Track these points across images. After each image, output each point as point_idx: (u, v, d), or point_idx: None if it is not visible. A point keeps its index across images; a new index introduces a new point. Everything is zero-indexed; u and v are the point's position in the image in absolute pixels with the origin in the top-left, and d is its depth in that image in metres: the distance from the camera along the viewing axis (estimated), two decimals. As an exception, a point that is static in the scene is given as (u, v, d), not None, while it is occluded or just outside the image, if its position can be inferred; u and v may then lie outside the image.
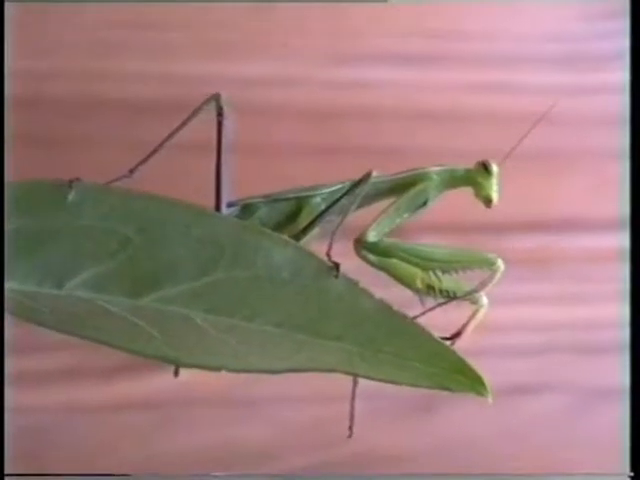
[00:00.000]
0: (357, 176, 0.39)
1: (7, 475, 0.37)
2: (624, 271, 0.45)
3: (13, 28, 0.49)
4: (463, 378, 0.33)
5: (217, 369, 0.33)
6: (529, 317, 0.56)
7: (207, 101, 0.38)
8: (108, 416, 0.53)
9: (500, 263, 0.38)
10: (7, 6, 0.43)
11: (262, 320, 0.33)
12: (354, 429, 0.41)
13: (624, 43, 0.47)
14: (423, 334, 0.33)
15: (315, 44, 0.55)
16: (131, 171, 0.37)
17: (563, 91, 0.56)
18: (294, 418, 0.53)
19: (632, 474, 0.40)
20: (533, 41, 0.56)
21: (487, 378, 0.52)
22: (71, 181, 0.33)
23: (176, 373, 0.37)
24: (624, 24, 0.47)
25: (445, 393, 0.33)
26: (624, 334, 0.44)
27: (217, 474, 0.51)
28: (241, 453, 0.54)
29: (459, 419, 0.50)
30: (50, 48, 0.54)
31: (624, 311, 0.44)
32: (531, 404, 0.56)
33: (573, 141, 0.56)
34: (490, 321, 0.54)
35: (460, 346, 0.37)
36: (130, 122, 0.54)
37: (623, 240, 0.47)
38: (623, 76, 0.47)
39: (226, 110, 0.38)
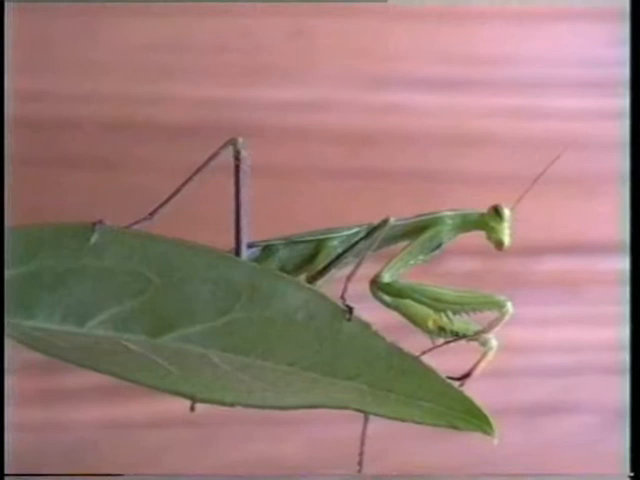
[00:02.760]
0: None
1: (7, 475, 0.37)
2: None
3: (30, 49, 0.50)
4: (470, 418, 0.34)
5: (231, 405, 0.34)
6: (560, 338, 0.56)
7: (225, 145, 0.39)
8: (147, 433, 0.54)
9: (509, 306, 0.38)
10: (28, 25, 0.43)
11: (276, 359, 0.34)
12: (387, 447, 0.41)
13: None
14: (432, 375, 0.34)
15: (349, 69, 0.56)
16: (151, 214, 0.38)
17: (593, 115, 0.57)
18: (330, 435, 0.54)
19: (632, 474, 0.40)
20: (565, 66, 0.57)
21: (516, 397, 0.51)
22: (94, 224, 0.34)
23: (192, 408, 0.38)
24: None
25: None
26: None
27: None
28: (278, 469, 0.54)
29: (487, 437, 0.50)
30: (72, 69, 0.54)
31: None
32: (559, 423, 0.56)
33: (605, 164, 0.56)
34: (521, 342, 0.54)
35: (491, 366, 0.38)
36: (164, 145, 0.54)
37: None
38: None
39: (244, 154, 0.39)
